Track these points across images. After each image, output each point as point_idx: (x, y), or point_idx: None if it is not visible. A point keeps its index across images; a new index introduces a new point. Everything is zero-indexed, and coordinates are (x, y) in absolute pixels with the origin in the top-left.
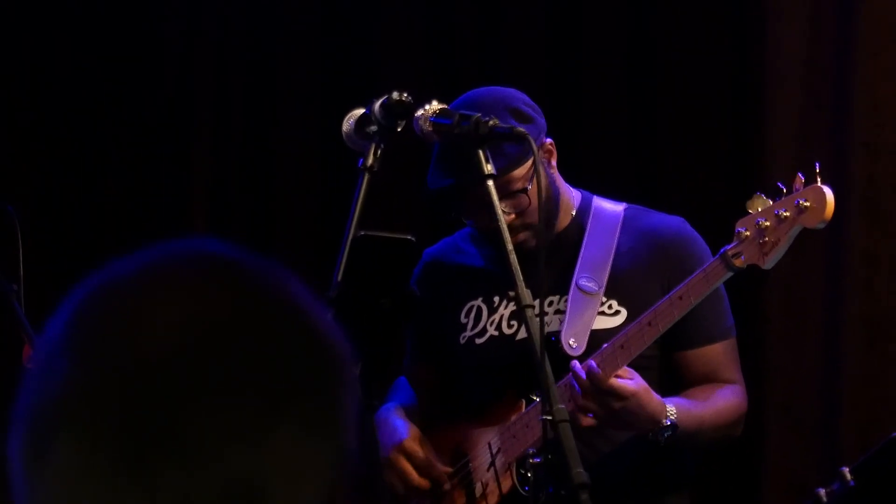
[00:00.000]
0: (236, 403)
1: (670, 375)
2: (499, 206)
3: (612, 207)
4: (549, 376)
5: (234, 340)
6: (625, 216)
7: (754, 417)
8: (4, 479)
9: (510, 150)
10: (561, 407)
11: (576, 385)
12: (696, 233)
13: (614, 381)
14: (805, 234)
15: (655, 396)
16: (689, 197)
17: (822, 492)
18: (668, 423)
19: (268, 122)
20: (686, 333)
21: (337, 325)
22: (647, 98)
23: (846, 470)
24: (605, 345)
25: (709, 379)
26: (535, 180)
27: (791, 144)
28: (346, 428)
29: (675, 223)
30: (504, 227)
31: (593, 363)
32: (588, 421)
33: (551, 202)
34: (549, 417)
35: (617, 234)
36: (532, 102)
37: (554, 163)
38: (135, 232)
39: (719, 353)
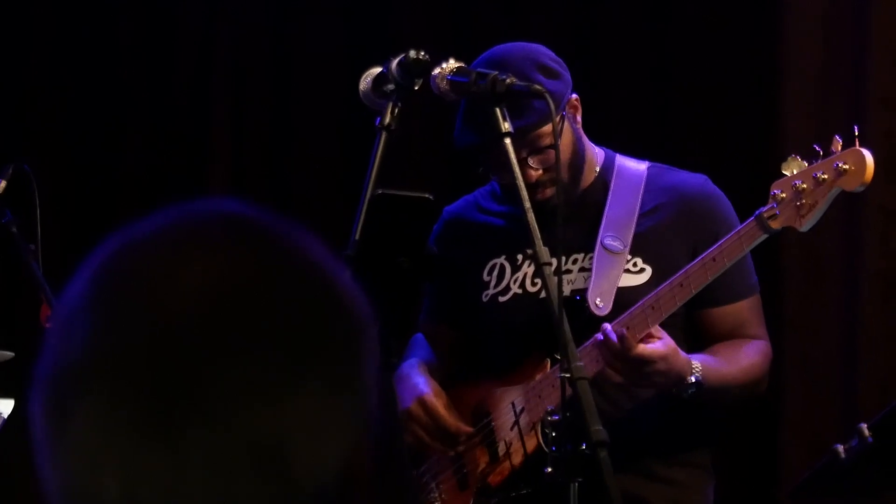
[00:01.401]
0: (259, 363)
1: (694, 333)
2: (516, 165)
3: (635, 166)
4: (566, 333)
5: (257, 300)
6: (648, 174)
7: (772, 373)
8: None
9: (539, 105)
10: (579, 364)
11: (606, 347)
12: (719, 190)
13: (643, 348)
14: None
15: (682, 355)
16: (707, 155)
17: (841, 448)
18: (693, 379)
19: (287, 81)
20: (711, 291)
21: (356, 285)
22: (666, 59)
23: (864, 426)
24: (636, 305)
25: (734, 336)
26: (562, 135)
27: (809, 101)
28: (367, 387)
29: (698, 181)
30: (521, 185)
31: (624, 331)
32: (618, 378)
33: (577, 158)
34: (568, 375)
35: (641, 193)
36: (558, 58)
37: (579, 118)
38: (153, 193)
39: (744, 310)
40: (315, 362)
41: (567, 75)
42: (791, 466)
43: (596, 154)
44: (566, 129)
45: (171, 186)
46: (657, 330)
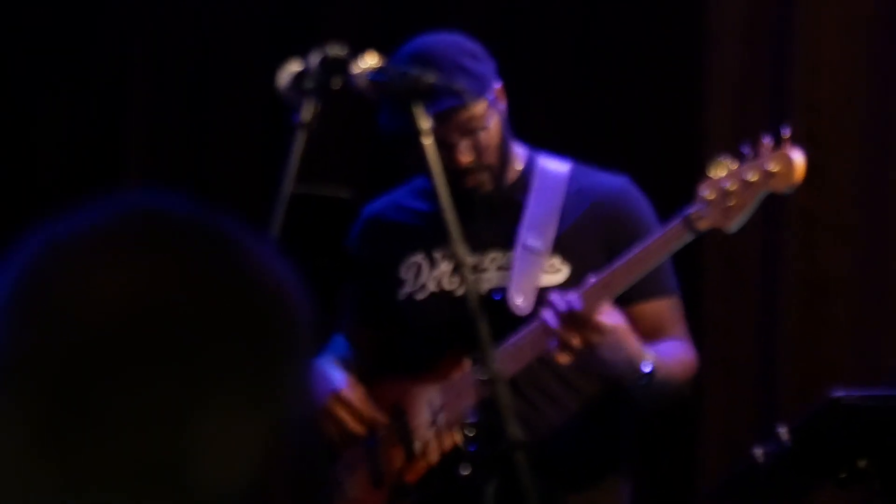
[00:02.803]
0: (165, 379)
1: None
2: (435, 163)
3: (557, 166)
4: (485, 334)
5: (172, 315)
6: (570, 174)
7: None
8: None
9: (468, 85)
10: (497, 365)
11: (567, 311)
12: (640, 192)
13: (599, 318)
14: None
15: (636, 339)
16: (628, 155)
17: (759, 452)
18: (648, 370)
19: (205, 76)
20: (632, 287)
21: (297, 282)
22: (588, 59)
23: (783, 430)
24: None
25: (656, 335)
26: (490, 120)
27: (731, 102)
28: (286, 403)
29: (619, 182)
30: (440, 183)
31: (573, 296)
32: (565, 358)
33: (506, 144)
34: (486, 377)
35: (563, 193)
36: (480, 45)
37: (504, 106)
38: (67, 185)
39: (665, 309)
40: (222, 377)
41: (492, 61)
42: (708, 468)
43: (518, 151)
44: (494, 114)
45: (84, 182)
46: (608, 308)
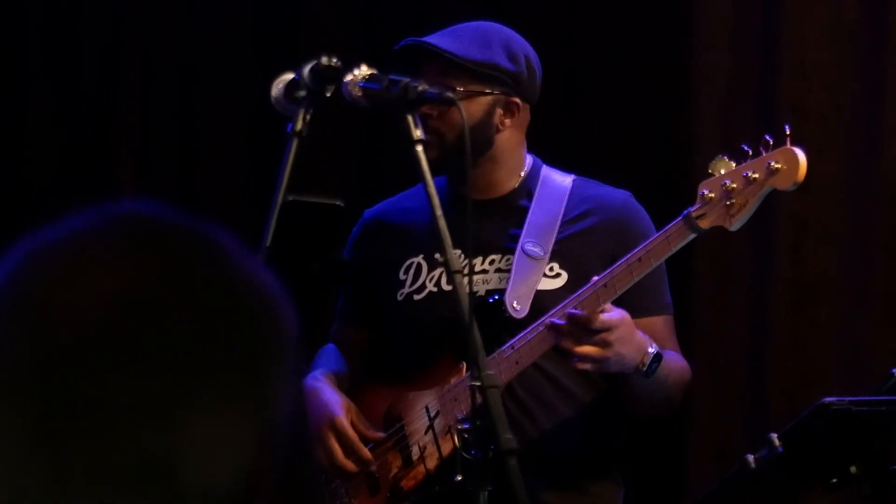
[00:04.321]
0: (150, 376)
1: None
2: (428, 172)
3: (560, 177)
4: (477, 341)
5: (159, 315)
6: (573, 186)
7: None
8: None
9: (468, 52)
10: (490, 373)
11: (574, 325)
12: (641, 206)
13: (603, 316)
14: None
15: (635, 328)
16: (615, 161)
17: (751, 458)
18: (653, 350)
19: (197, 85)
20: (627, 303)
21: (279, 290)
22: (576, 65)
23: (774, 436)
24: (557, 307)
25: None
26: (471, 104)
27: (719, 108)
28: (274, 404)
29: (621, 196)
30: (433, 192)
31: (571, 310)
32: (584, 365)
33: (478, 135)
34: (478, 383)
35: (564, 202)
36: (523, 51)
37: (508, 122)
38: (58, 194)
39: (660, 325)
40: (212, 380)
41: (524, 71)
42: (698, 474)
43: (525, 160)
44: (480, 103)
45: (75, 191)
46: (608, 305)
